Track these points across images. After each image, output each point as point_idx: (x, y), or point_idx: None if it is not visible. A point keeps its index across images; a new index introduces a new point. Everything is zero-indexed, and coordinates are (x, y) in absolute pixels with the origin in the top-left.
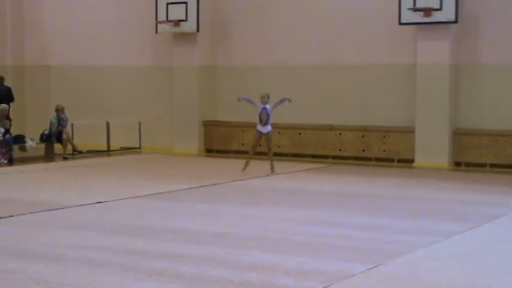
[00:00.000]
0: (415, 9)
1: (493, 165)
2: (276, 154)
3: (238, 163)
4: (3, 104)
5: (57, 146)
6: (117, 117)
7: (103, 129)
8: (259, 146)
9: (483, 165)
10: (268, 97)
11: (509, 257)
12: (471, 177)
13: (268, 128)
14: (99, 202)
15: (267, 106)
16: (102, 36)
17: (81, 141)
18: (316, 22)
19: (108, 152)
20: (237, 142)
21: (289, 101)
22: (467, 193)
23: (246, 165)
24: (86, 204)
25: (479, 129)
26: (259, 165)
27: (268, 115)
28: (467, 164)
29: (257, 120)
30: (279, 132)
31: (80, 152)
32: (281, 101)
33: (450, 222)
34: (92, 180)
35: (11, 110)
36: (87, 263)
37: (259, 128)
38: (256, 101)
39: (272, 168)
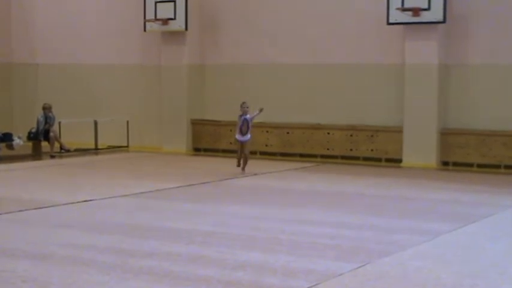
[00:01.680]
0: (404, 9)
1: (480, 165)
2: (264, 153)
3: (227, 162)
4: None
5: (45, 144)
6: (105, 116)
7: (91, 128)
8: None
9: (470, 165)
10: (247, 106)
11: (497, 256)
12: (459, 177)
13: (248, 136)
14: (87, 201)
15: (247, 116)
16: (91, 35)
17: (68, 139)
18: (305, 21)
19: (96, 150)
20: (225, 141)
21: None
22: (455, 193)
23: (239, 165)
24: (73, 203)
25: (467, 129)
26: (249, 166)
27: (248, 125)
28: (455, 164)
29: (237, 130)
30: (267, 132)
31: (68, 151)
32: (258, 114)
33: (438, 222)
34: (79, 178)
35: None
36: (75, 261)
37: (238, 137)
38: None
39: (243, 167)
